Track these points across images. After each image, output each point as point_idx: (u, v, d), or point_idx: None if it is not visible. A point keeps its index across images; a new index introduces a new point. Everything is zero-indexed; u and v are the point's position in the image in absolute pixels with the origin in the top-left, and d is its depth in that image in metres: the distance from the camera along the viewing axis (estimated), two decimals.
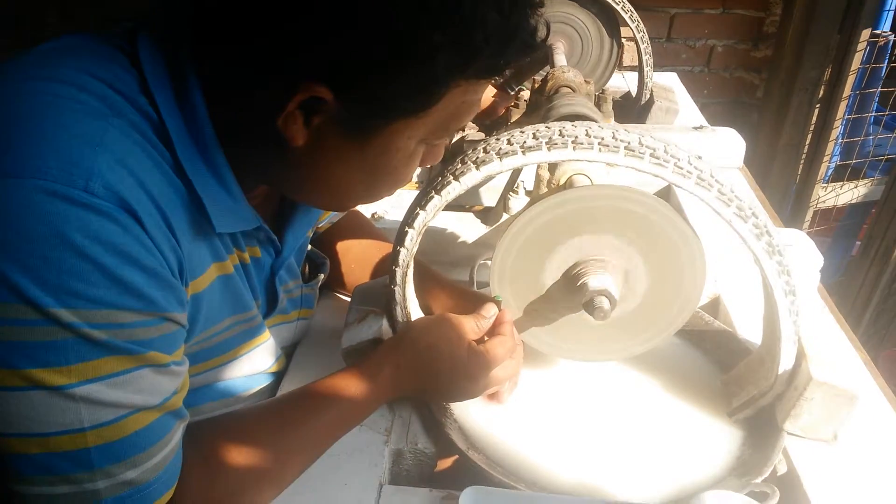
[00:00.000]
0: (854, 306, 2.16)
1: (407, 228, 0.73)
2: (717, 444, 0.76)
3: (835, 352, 0.72)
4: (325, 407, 0.69)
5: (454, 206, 1.33)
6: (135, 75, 0.57)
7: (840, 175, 2.32)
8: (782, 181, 2.38)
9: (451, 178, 0.70)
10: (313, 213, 0.81)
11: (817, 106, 2.22)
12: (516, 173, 1.10)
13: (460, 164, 0.70)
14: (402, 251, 0.75)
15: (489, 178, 0.70)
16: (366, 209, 1.17)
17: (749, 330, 0.91)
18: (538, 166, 1.01)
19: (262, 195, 0.71)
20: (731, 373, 0.81)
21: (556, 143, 0.67)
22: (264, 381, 0.79)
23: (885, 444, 0.75)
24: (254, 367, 0.76)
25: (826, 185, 2.32)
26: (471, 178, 0.69)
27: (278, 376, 0.81)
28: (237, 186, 0.63)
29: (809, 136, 2.27)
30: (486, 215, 1.16)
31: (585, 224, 0.73)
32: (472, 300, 0.81)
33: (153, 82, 0.57)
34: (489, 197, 1.28)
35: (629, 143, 0.66)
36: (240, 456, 0.61)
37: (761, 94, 2.47)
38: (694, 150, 0.67)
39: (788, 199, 2.39)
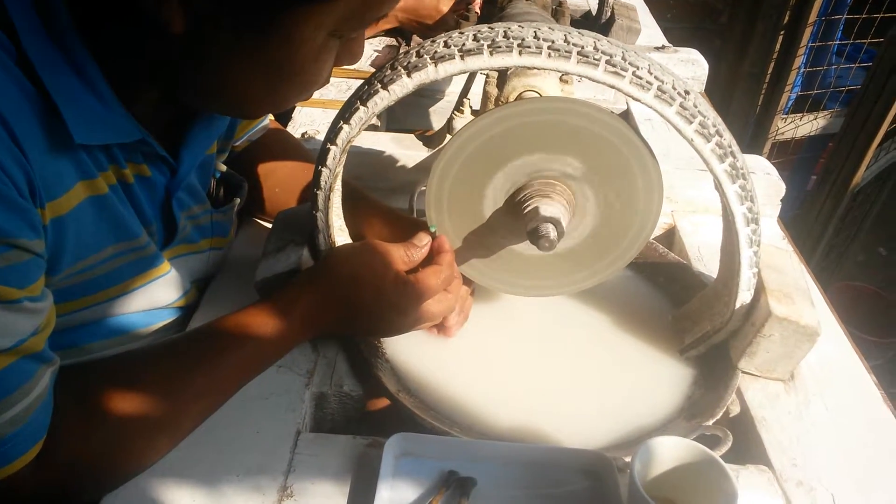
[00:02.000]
0: (808, 240, 2.16)
1: (329, 146, 0.65)
2: (667, 385, 0.71)
3: (797, 286, 0.67)
4: (229, 346, 0.60)
5: (401, 128, 1.24)
6: None
7: (800, 107, 2.29)
8: (742, 111, 2.34)
9: (379, 86, 0.62)
10: (215, 126, 0.70)
11: (781, 33, 2.15)
12: (464, 91, 1.00)
13: (389, 71, 0.61)
14: (325, 171, 0.67)
15: (423, 87, 0.61)
16: (295, 129, 1.06)
17: (705, 264, 0.86)
18: (486, 82, 0.92)
19: (150, 102, 0.60)
20: (684, 307, 0.76)
21: (499, 47, 0.58)
22: (168, 317, 0.70)
23: (840, 382, 0.71)
24: (153, 301, 0.67)
25: (786, 116, 2.28)
26: (401, 86, 0.61)
27: (187, 311, 0.72)
28: (108, 88, 0.52)
29: (772, 64, 2.21)
30: (429, 138, 1.07)
31: (532, 143, 0.65)
32: (411, 229, 0.73)
33: None
34: (440, 121, 1.18)
35: (583, 47, 0.58)
36: (125, 402, 0.53)
37: (725, 20, 2.40)
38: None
39: (748, 130, 2.35)
